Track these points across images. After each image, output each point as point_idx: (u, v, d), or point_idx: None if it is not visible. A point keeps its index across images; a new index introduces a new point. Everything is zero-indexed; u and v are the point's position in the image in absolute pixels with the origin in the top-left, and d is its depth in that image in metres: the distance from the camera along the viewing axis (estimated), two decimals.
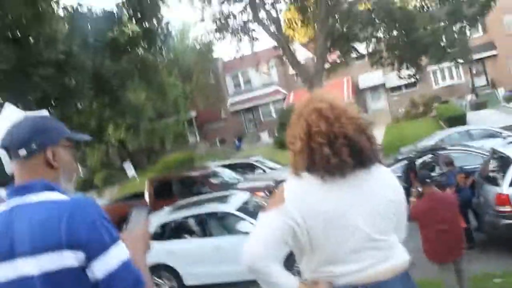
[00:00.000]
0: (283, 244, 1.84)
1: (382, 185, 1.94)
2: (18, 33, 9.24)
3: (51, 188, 1.59)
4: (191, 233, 9.16)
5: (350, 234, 1.83)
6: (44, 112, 1.80)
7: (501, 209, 7.92)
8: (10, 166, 1.72)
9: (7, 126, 1.69)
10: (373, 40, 20.42)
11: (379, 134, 27.91)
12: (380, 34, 20.00)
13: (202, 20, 21.11)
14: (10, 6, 8.66)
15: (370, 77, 33.01)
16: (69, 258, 1.46)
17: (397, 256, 1.93)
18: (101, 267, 1.48)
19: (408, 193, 10.52)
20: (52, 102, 9.96)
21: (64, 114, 11.16)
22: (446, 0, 17.64)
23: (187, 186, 14.57)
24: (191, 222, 9.29)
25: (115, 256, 1.50)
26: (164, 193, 14.29)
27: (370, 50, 21.24)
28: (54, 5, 10.94)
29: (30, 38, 9.58)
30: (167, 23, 16.06)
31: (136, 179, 27.61)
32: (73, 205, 1.53)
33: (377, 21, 18.61)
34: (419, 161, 12.93)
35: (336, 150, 1.82)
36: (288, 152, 1.98)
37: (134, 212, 1.86)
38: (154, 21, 15.35)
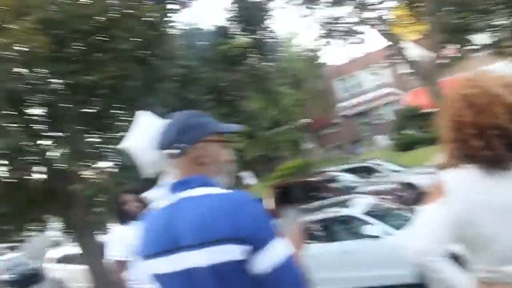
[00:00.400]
0: (449, 238, 1.69)
1: None
2: (144, 53, 9.88)
3: (207, 184, 1.62)
4: (316, 238, 9.06)
5: None
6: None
7: None
8: (151, 168, 1.79)
9: (145, 130, 1.79)
10: (493, 29, 18.95)
11: None
12: (501, 22, 18.48)
13: (309, 27, 21.08)
14: (136, 30, 9.34)
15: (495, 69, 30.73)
16: (235, 251, 1.48)
17: None
18: (266, 260, 1.49)
19: None
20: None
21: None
22: None
23: (307, 192, 14.54)
24: (316, 227, 9.21)
25: (280, 250, 1.51)
26: (284, 199, 14.37)
27: (491, 41, 19.71)
28: (172, 25, 11.62)
29: (153, 57, 10.21)
30: (274, 33, 16.30)
31: (255, 186, 28.21)
32: (235, 200, 1.56)
33: (494, 7, 17.22)
34: None
35: (488, 142, 1.64)
36: (441, 142, 1.82)
37: (286, 213, 1.92)
38: (262, 32, 15.68)
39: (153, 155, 1.79)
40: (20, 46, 8.05)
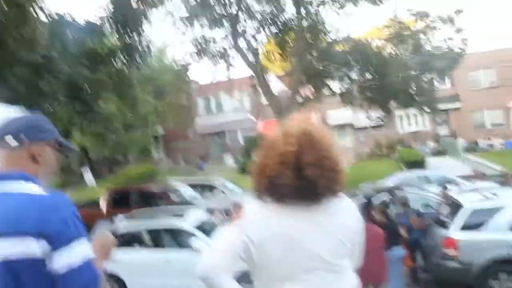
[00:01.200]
0: (238, 258, 1.87)
1: (343, 213, 2.00)
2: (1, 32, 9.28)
3: (30, 180, 1.67)
4: (143, 244, 9.24)
5: (308, 258, 1.89)
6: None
7: (447, 252, 8.35)
8: None
9: None
10: (347, 80, 21.12)
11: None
12: (354, 76, 20.68)
13: (182, 42, 21.38)
14: None
15: (339, 115, 33.76)
16: (33, 247, 1.51)
17: (347, 280, 2.01)
18: (63, 260, 1.52)
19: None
20: (22, 102, 9.90)
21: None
22: (418, 51, 18.49)
23: (145, 200, 14.55)
24: (145, 234, 9.37)
25: (79, 252, 1.55)
26: (121, 204, 14.23)
27: (343, 89, 21.88)
28: (39, 10, 11.06)
29: (10, 38, 9.62)
30: (149, 41, 16.27)
31: (95, 187, 27.26)
32: (49, 199, 1.61)
33: (352, 63, 19.27)
34: (376, 199, 13.40)
35: (298, 179, 1.86)
36: (252, 176, 2.00)
37: (100, 224, 2.03)
38: (135, 37, 15.52)
39: None
40: None
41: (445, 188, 12.58)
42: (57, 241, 1.52)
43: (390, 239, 8.20)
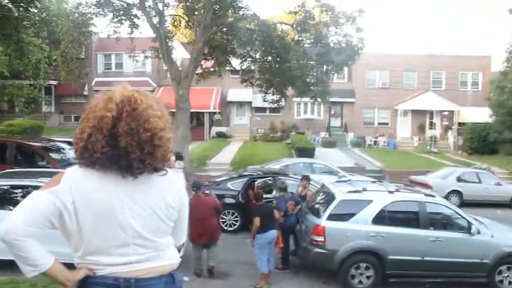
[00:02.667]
0: (46, 223, 1.83)
1: (165, 190, 1.99)
2: None
3: None
4: (14, 205, 8.57)
5: (120, 229, 1.88)
6: None
7: (316, 238, 8.70)
8: None
9: None
10: (249, 59, 21.18)
11: (235, 148, 28.90)
12: (256, 55, 20.78)
13: None
14: None
15: (239, 93, 33.95)
16: None
17: (165, 258, 2.01)
18: None
19: (245, 208, 11.16)
20: None
21: None
22: (319, 42, 18.94)
23: (24, 155, 13.63)
24: (16, 194, 8.71)
25: None
26: None
27: (243, 67, 21.94)
28: None
29: None
30: None
31: None
32: None
33: (256, 42, 19.32)
34: (260, 181, 13.65)
35: (111, 147, 1.84)
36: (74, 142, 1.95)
37: None
38: None
39: None
40: None
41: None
42: None
43: (265, 220, 8.52)
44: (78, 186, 1.85)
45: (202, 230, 8.67)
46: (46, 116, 34.41)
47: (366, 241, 8.65)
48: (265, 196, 10.03)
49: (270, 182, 13.53)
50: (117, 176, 1.87)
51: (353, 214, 8.85)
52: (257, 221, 8.51)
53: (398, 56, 35.14)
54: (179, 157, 15.45)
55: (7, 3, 14.50)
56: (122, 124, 1.83)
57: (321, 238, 8.67)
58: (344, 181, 11.20)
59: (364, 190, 9.29)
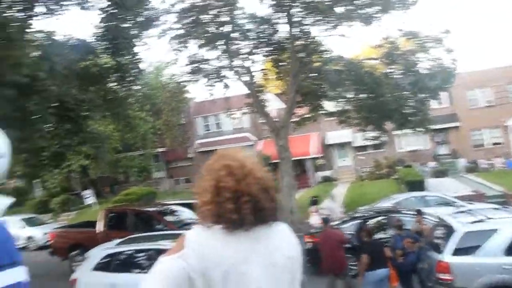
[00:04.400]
0: None
1: (281, 241, 2.02)
2: None
3: None
4: (137, 268, 9.01)
5: (246, 286, 1.88)
6: None
7: (442, 276, 8.13)
8: None
9: None
10: (342, 100, 21.09)
11: (342, 191, 28.39)
12: (348, 95, 20.65)
13: (175, 63, 21.49)
14: None
15: (338, 135, 33.68)
16: None
17: None
18: None
19: (357, 251, 10.85)
20: (11, 122, 9.84)
21: (23, 135, 11.08)
22: (410, 71, 18.43)
23: (142, 221, 14.46)
24: (139, 257, 9.18)
25: (9, 276, 1.60)
26: (118, 225, 14.17)
27: (338, 109, 21.87)
28: (26, 30, 11.07)
29: None
30: (141, 60, 16.28)
31: (95, 207, 27.15)
32: None
33: (346, 82, 19.25)
34: (372, 221, 13.21)
35: (239, 206, 1.89)
36: (196, 203, 2.02)
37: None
38: (128, 56, 15.54)
39: None
40: None
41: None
42: None
43: (375, 258, 8.23)
44: (201, 247, 1.88)
45: (332, 261, 9.21)
46: (157, 182, 36.42)
47: (500, 275, 7.91)
48: (379, 235, 9.72)
49: (383, 221, 13.04)
50: (238, 232, 1.92)
51: (478, 247, 8.18)
52: (364, 258, 8.30)
53: (498, 70, 32.98)
54: (315, 201, 15.75)
55: (114, 85, 15.89)
56: (242, 185, 1.92)
57: (447, 276, 8.08)
58: (463, 211, 10.47)
59: (488, 218, 8.61)
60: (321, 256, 9.74)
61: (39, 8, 13.25)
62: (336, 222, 13.88)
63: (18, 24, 10.08)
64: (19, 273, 1.65)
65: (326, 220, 10.37)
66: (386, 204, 16.54)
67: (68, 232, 15.67)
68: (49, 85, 10.88)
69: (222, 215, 1.90)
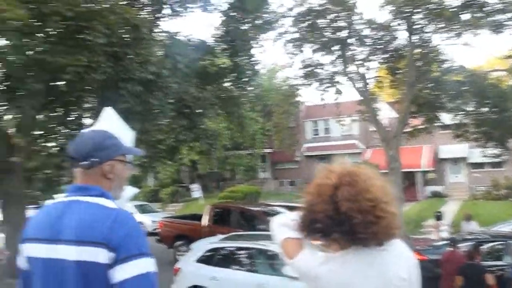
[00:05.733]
0: None
1: (396, 262, 1.93)
2: (118, 51, 10.09)
3: (103, 195, 1.87)
4: (238, 265, 9.26)
5: None
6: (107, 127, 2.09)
7: None
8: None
9: (104, 127, 2.02)
10: (460, 113, 19.96)
11: (453, 208, 26.82)
12: (468, 108, 19.50)
13: (291, 66, 21.71)
14: (116, 27, 9.58)
15: (453, 149, 31.87)
16: (102, 255, 1.70)
17: None
18: (120, 272, 1.69)
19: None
20: (135, 115, 10.64)
21: (144, 128, 11.88)
22: None
23: (245, 219, 14.83)
24: (241, 254, 9.44)
25: (136, 267, 1.71)
26: (222, 221, 14.68)
27: (455, 122, 20.74)
28: (155, 30, 11.90)
29: (127, 57, 10.42)
30: (257, 62, 16.69)
31: (201, 201, 28.35)
32: (117, 214, 1.80)
33: (466, 94, 18.19)
34: (487, 246, 12.30)
35: (334, 212, 1.85)
36: (300, 205, 2.03)
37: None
38: (245, 57, 16.05)
39: None
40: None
41: None
42: (118, 253, 1.70)
43: (470, 281, 7.76)
44: (324, 270, 1.88)
45: (452, 284, 8.62)
46: (262, 182, 37.08)
47: None
48: (494, 263, 9.09)
49: (500, 247, 12.10)
50: (353, 254, 1.88)
51: None
52: (458, 279, 7.80)
53: None
54: (438, 216, 15.20)
55: (230, 85, 16.51)
56: (341, 191, 1.87)
57: None
58: None
59: None
60: (440, 276, 9.29)
61: (165, 10, 14.19)
62: (443, 242, 13.13)
63: (148, 25, 10.82)
64: (147, 264, 1.73)
65: (454, 240, 9.79)
66: (504, 228, 15.31)
67: (175, 222, 16.47)
68: (170, 82, 11.54)
69: (315, 221, 1.89)
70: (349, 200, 1.84)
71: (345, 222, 1.83)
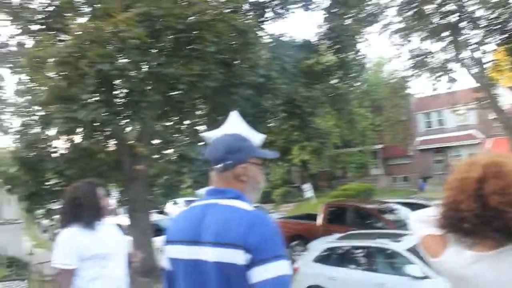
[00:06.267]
0: None
1: None
2: (228, 57, 10.45)
3: (240, 198, 1.91)
4: (356, 264, 9.12)
5: None
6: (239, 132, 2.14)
7: None
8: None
9: (229, 131, 2.07)
10: None
11: None
12: None
13: (398, 57, 20.99)
14: (225, 35, 9.94)
15: None
16: (239, 256, 1.72)
17: None
18: (256, 274, 1.71)
19: None
20: (247, 119, 10.92)
21: (257, 130, 12.11)
22: None
23: (360, 217, 14.55)
24: (359, 253, 9.28)
25: (271, 270, 1.71)
26: (337, 219, 14.53)
27: None
28: (260, 34, 12.15)
29: (237, 62, 10.75)
30: (363, 56, 16.38)
31: (313, 200, 28.33)
32: (255, 216, 1.81)
33: None
34: None
35: (481, 209, 1.74)
36: (440, 202, 1.92)
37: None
38: (351, 53, 15.82)
39: None
40: (119, 34, 8.80)
41: None
42: (255, 255, 1.72)
43: None
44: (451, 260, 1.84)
45: None
46: (374, 179, 36.20)
47: None
48: None
49: None
50: (483, 249, 1.77)
51: None
52: None
53: None
54: None
55: (337, 82, 16.39)
56: (488, 184, 1.74)
57: None
58: None
59: None
60: None
61: (268, 14, 14.43)
62: None
63: (254, 30, 11.08)
64: (283, 267, 1.73)
65: None
66: None
67: (289, 222, 16.56)
68: (279, 84, 11.70)
69: (460, 218, 1.78)
70: (498, 193, 1.72)
71: (496, 218, 1.71)
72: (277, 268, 1.72)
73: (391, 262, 8.59)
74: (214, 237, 1.79)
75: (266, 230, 1.78)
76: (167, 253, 1.98)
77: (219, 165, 1.95)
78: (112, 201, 17.12)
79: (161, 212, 23.16)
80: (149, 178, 12.34)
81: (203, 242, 1.82)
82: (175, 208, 25.79)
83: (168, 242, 1.98)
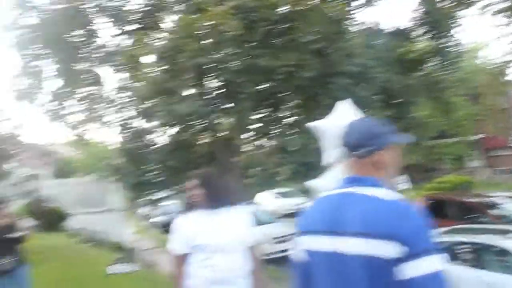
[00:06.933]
0: None
1: None
2: (323, 47, 10.33)
3: (378, 185, 1.81)
4: (463, 260, 8.67)
5: None
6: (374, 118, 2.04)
7: None
8: (327, 158, 1.99)
9: (340, 122, 1.97)
10: None
11: None
12: None
13: (500, 38, 19.55)
14: (319, 24, 9.84)
15: None
16: (389, 249, 1.62)
17: None
18: (409, 269, 1.60)
19: None
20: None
21: None
22: None
23: (462, 211, 13.84)
24: (464, 249, 8.82)
25: (426, 264, 1.61)
26: (436, 213, 13.92)
27: None
28: (354, 22, 11.90)
29: (331, 52, 10.60)
30: (460, 41, 15.56)
31: (409, 192, 27.41)
32: (403, 206, 1.72)
33: None
34: None
35: None
36: None
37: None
38: (446, 39, 15.08)
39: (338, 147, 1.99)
40: (215, 27, 8.99)
41: None
42: (412, 249, 1.61)
43: None
44: None
45: None
46: (472, 171, 34.23)
47: None
48: None
49: None
50: None
51: None
52: None
53: None
54: None
55: (434, 69, 15.68)
56: None
57: None
58: None
59: None
60: None
61: (359, 1, 14.07)
62: None
63: (347, 18, 10.88)
64: (437, 262, 1.64)
65: None
66: None
67: None
68: (375, 73, 11.40)
69: None
70: None
71: None
72: (432, 263, 1.62)
73: (501, 260, 8.09)
74: (362, 228, 1.69)
75: (417, 222, 1.68)
76: (303, 244, 1.90)
77: (359, 151, 1.86)
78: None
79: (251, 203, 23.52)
80: (242, 170, 12.53)
81: (349, 233, 1.73)
82: (266, 200, 26.09)
83: (304, 233, 1.91)
